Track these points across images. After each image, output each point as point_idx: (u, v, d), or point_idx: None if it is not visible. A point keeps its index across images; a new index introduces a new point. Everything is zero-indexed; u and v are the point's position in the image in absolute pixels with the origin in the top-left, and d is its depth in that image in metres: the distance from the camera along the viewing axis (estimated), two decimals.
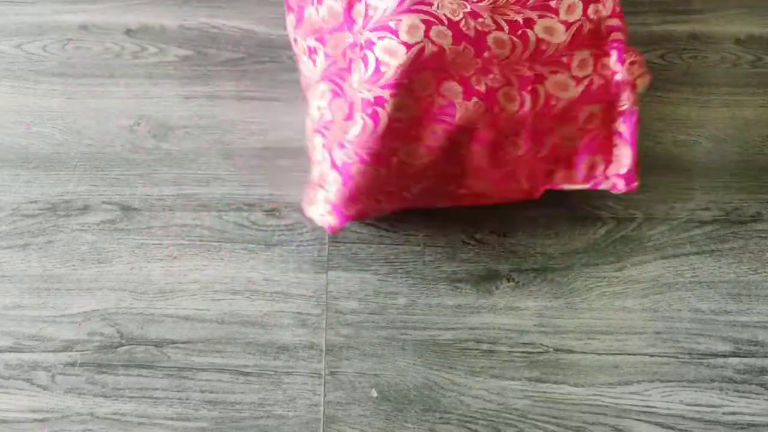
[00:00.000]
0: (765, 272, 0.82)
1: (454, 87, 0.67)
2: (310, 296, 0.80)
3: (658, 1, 0.98)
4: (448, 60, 0.66)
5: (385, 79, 0.65)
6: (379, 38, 0.64)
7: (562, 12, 0.68)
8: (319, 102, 0.73)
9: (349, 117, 0.69)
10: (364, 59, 0.65)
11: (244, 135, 0.89)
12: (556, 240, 0.83)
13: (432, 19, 0.64)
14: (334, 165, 0.71)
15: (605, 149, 0.74)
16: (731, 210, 0.85)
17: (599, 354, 0.78)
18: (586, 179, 0.76)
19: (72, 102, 0.91)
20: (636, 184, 0.75)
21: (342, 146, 0.69)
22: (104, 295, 0.80)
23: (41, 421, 0.74)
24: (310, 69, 0.76)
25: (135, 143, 0.88)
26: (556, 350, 0.78)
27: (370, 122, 0.67)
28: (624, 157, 0.74)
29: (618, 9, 0.69)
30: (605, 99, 0.72)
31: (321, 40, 0.73)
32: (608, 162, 0.75)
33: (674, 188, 0.86)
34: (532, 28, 0.68)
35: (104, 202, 0.84)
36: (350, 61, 0.69)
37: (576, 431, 0.74)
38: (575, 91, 0.70)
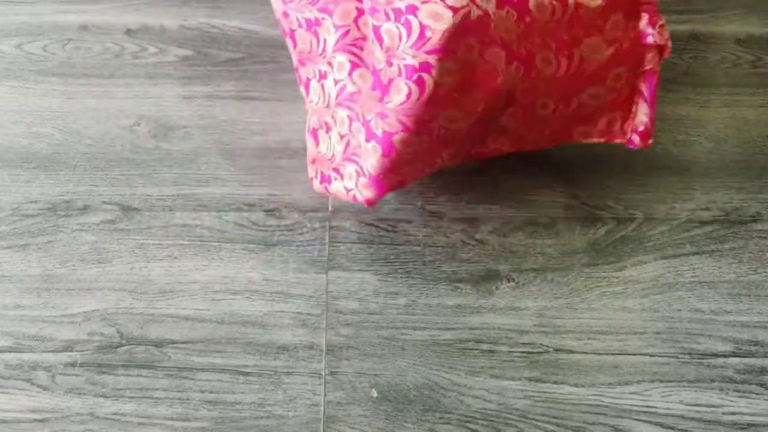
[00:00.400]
0: (765, 272, 0.82)
1: (497, 52, 0.67)
2: (310, 296, 0.80)
3: (658, 1, 0.98)
4: (492, 24, 0.65)
5: (431, 44, 0.64)
6: (423, 2, 0.64)
7: None
8: (336, 75, 0.73)
9: (377, 86, 0.69)
10: (406, 24, 0.64)
11: (244, 135, 0.89)
12: (556, 240, 0.83)
13: None
14: (371, 135, 0.70)
15: (626, 106, 0.76)
16: (731, 210, 0.85)
17: (599, 354, 0.78)
18: (603, 134, 0.78)
19: (72, 102, 0.91)
20: (651, 141, 0.77)
21: (383, 116, 0.69)
22: (104, 295, 0.80)
23: (41, 421, 0.74)
24: (312, 42, 0.75)
25: (135, 143, 0.88)
26: (556, 350, 0.78)
27: (415, 89, 0.66)
28: (642, 114, 0.76)
29: None
30: (632, 60, 0.73)
31: (325, 10, 0.73)
32: (626, 118, 0.77)
33: (674, 188, 0.86)
34: None
35: (104, 202, 0.84)
36: (376, 29, 0.68)
37: (576, 431, 0.74)
38: (607, 53, 0.72)
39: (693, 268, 0.82)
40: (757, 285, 0.81)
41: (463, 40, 0.65)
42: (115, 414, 0.74)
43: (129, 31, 0.96)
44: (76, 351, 0.77)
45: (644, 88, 0.75)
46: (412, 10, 0.64)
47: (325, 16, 0.73)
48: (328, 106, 0.75)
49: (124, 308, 0.79)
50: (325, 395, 0.76)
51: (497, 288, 0.81)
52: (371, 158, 0.71)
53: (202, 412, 0.75)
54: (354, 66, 0.71)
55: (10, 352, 0.77)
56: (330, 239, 0.83)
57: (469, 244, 0.83)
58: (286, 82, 0.91)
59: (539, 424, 0.75)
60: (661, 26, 0.72)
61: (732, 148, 0.89)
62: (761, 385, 0.77)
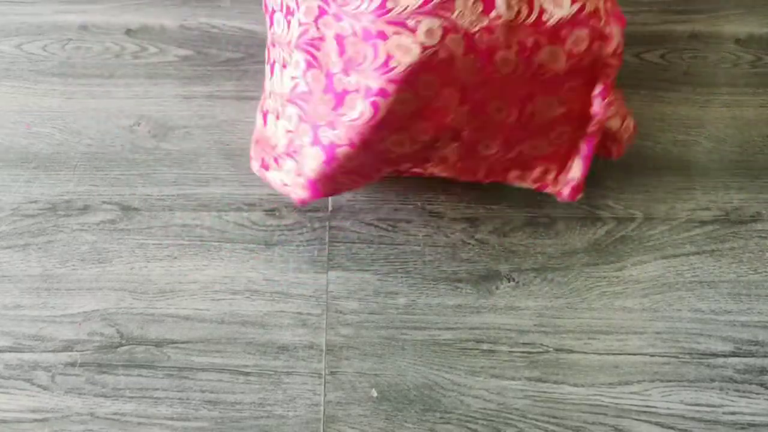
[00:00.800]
0: (765, 272, 0.82)
1: (453, 93, 0.68)
2: (310, 296, 0.80)
3: (658, 1, 0.98)
4: (456, 67, 0.66)
5: (394, 74, 0.65)
6: (395, 33, 0.65)
7: (569, 42, 0.69)
8: (292, 71, 0.73)
9: (329, 90, 0.70)
10: (374, 47, 0.65)
11: (244, 135, 0.89)
12: (556, 240, 0.83)
13: (451, 26, 0.65)
14: (317, 141, 0.72)
15: (562, 161, 0.78)
16: (731, 210, 0.85)
17: (599, 354, 0.78)
18: (537, 181, 0.80)
19: (72, 102, 0.91)
20: (580, 195, 0.79)
21: (333, 126, 0.70)
22: (104, 295, 0.80)
23: (41, 421, 0.74)
24: (283, 30, 0.75)
25: (135, 143, 0.88)
26: (556, 350, 0.78)
27: (370, 110, 0.67)
28: (576, 170, 0.78)
29: (619, 50, 0.71)
30: (579, 122, 0.75)
31: (297, 3, 0.73)
32: (560, 171, 0.79)
33: (674, 188, 0.86)
34: (538, 52, 0.69)
35: (104, 202, 0.84)
36: (339, 36, 0.68)
37: (576, 431, 0.74)
38: (558, 111, 0.73)
39: (693, 268, 0.82)
40: (757, 285, 0.81)
41: (424, 76, 0.66)
42: (115, 414, 0.74)
43: (129, 31, 0.96)
44: (76, 351, 0.77)
45: (584, 147, 0.76)
46: (382, 36, 0.65)
47: (296, 9, 0.73)
48: (281, 96, 0.76)
49: (124, 308, 0.79)
50: (325, 395, 0.76)
51: (497, 288, 0.81)
52: (312, 162, 0.72)
53: (202, 412, 0.75)
54: (309, 66, 0.72)
55: (10, 352, 0.77)
56: (330, 239, 0.83)
57: (469, 244, 0.83)
58: None
59: (539, 423, 0.75)
60: (610, 103, 0.73)
61: (732, 148, 0.89)
62: (761, 384, 0.77)
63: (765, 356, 0.78)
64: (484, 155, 0.76)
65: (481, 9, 0.65)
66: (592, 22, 0.69)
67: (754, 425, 0.75)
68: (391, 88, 0.66)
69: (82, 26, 0.96)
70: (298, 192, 0.76)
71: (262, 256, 0.82)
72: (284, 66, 0.74)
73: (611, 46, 0.71)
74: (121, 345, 0.77)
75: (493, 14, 0.66)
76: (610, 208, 0.85)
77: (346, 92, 0.69)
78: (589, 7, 0.68)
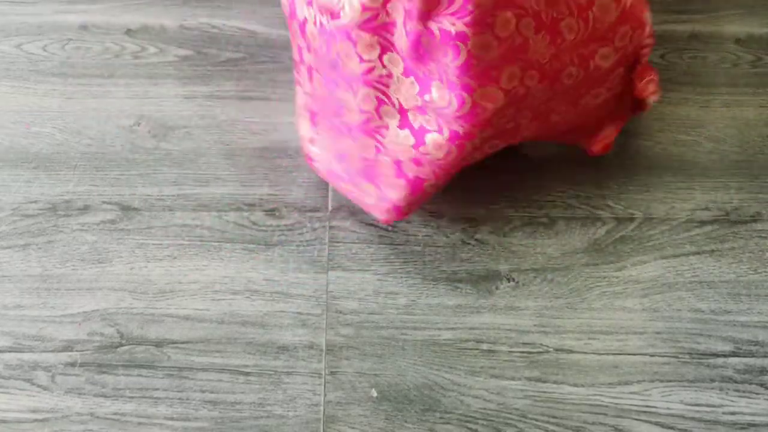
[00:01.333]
0: (765, 272, 0.82)
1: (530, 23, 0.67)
2: (310, 296, 0.80)
3: (658, 1, 0.98)
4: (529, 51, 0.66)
5: (479, 119, 0.68)
6: (480, 85, 0.66)
7: (617, 40, 0.70)
8: (361, 104, 0.72)
9: (405, 125, 0.71)
10: (458, 97, 0.66)
11: (244, 135, 0.89)
12: (556, 240, 0.83)
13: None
14: (402, 175, 0.73)
15: (601, 123, 0.81)
16: (731, 210, 0.85)
17: (599, 354, 0.78)
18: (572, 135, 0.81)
19: (72, 102, 0.91)
20: (609, 150, 0.83)
21: (419, 163, 0.72)
22: (104, 295, 0.80)
23: (41, 421, 0.74)
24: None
25: (135, 143, 0.88)
26: (556, 350, 0.78)
27: (455, 151, 0.70)
28: (610, 129, 0.82)
29: (652, 31, 0.73)
30: (620, 101, 0.78)
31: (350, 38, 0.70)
32: (597, 131, 0.82)
33: (674, 188, 0.86)
34: (591, 60, 0.70)
35: (104, 202, 0.84)
36: (417, 76, 0.68)
37: (576, 431, 0.74)
38: (604, 97, 0.76)
39: (693, 268, 0.82)
40: (757, 285, 0.81)
41: (505, 113, 0.68)
42: (115, 414, 0.74)
43: (129, 31, 0.96)
44: (76, 351, 0.77)
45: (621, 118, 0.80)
46: (468, 90, 0.66)
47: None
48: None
49: (124, 308, 0.79)
50: (325, 395, 0.76)
51: (497, 288, 0.81)
52: (398, 193, 0.75)
53: (202, 412, 0.75)
54: (380, 102, 0.72)
55: (10, 352, 0.77)
56: (330, 239, 0.83)
57: (469, 244, 0.83)
58: (285, 82, 0.91)
59: (539, 423, 0.75)
60: (651, 81, 0.76)
61: (732, 148, 0.89)
62: (761, 384, 0.77)
63: (765, 356, 0.78)
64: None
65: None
66: (635, 12, 0.70)
67: (754, 425, 0.75)
68: (476, 131, 0.68)
69: (82, 26, 0.96)
70: (383, 215, 0.78)
71: (262, 256, 0.82)
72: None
73: (647, 31, 0.72)
74: (121, 345, 0.77)
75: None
76: (610, 208, 0.85)
77: (425, 131, 0.70)
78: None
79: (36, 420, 0.74)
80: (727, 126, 0.90)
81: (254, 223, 0.84)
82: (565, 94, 0.72)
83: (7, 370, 0.76)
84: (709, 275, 0.81)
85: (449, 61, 0.65)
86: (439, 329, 0.79)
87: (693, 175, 0.87)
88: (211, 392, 0.76)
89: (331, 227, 0.84)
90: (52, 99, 0.91)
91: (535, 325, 0.79)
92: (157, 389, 0.76)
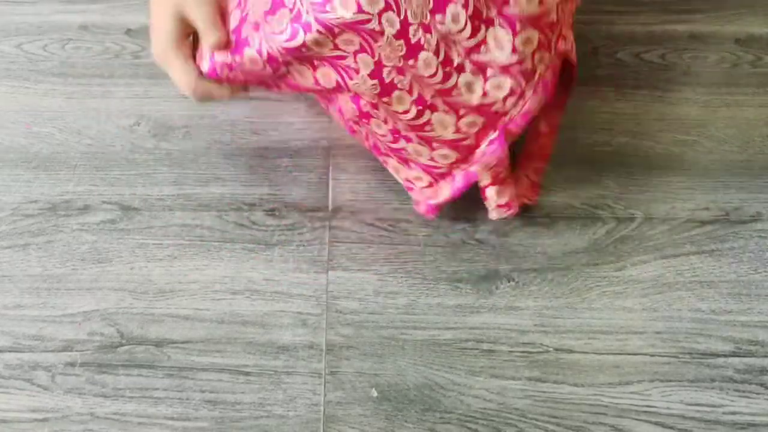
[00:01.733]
0: (765, 272, 0.82)
1: (368, 60, 0.67)
2: (310, 296, 0.80)
3: (658, 1, 0.98)
4: (380, 43, 0.66)
5: (323, 17, 0.64)
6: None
7: (489, 84, 0.69)
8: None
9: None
10: None
11: (244, 135, 0.89)
12: (556, 240, 0.83)
13: (393, 5, 0.64)
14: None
15: (436, 177, 0.78)
16: (731, 210, 0.85)
17: (599, 354, 0.78)
18: (407, 180, 0.80)
19: (72, 102, 0.91)
20: (434, 216, 0.81)
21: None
22: (104, 295, 0.80)
23: (41, 421, 0.74)
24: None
25: (135, 143, 0.88)
26: (556, 350, 0.78)
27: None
28: (444, 191, 0.78)
29: (527, 120, 0.72)
30: (463, 155, 0.75)
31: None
32: (431, 184, 0.78)
33: (674, 188, 0.86)
34: (459, 74, 0.69)
35: (104, 202, 0.84)
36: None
37: (576, 431, 0.74)
38: (450, 134, 0.73)
39: (693, 268, 0.82)
40: (758, 285, 0.81)
41: (346, 35, 0.66)
42: (115, 414, 0.74)
43: (129, 31, 0.96)
44: (76, 351, 0.77)
45: (459, 178, 0.77)
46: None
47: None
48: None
49: (124, 308, 0.79)
50: (325, 395, 0.76)
51: (497, 288, 0.81)
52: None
53: (202, 411, 0.75)
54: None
55: (10, 352, 0.77)
56: (330, 239, 0.83)
57: (469, 244, 0.83)
58: None
59: (539, 423, 0.75)
60: (496, 160, 0.74)
61: (732, 148, 0.89)
62: (761, 384, 0.77)
63: (765, 356, 0.78)
64: (373, 130, 0.75)
65: (430, 7, 0.65)
66: (520, 77, 0.69)
67: (754, 425, 0.75)
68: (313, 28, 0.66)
69: (82, 26, 0.96)
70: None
71: (262, 256, 0.82)
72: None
73: (519, 109, 0.71)
74: (121, 345, 0.77)
75: (438, 17, 0.65)
76: (610, 208, 0.85)
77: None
78: (527, 65, 0.68)
79: (36, 420, 0.74)
80: (727, 126, 0.90)
81: (254, 223, 0.84)
82: (414, 85, 0.70)
83: (6, 370, 0.76)
84: (709, 275, 0.81)
85: None
86: (439, 329, 0.79)
87: (693, 175, 0.87)
88: (211, 392, 0.76)
89: (331, 227, 0.84)
90: (52, 99, 0.91)
91: (535, 325, 0.79)
92: (157, 389, 0.76)
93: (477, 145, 0.74)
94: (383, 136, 0.75)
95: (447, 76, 0.69)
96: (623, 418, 0.75)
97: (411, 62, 0.67)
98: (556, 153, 0.86)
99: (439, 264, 0.82)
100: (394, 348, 0.78)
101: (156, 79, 0.92)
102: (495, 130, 0.73)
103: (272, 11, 0.67)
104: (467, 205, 0.84)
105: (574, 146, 0.88)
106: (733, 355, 0.78)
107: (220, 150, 0.88)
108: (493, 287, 0.81)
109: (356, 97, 0.72)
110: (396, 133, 0.75)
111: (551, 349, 0.78)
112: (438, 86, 0.69)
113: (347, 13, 0.64)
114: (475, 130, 0.73)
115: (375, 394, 0.76)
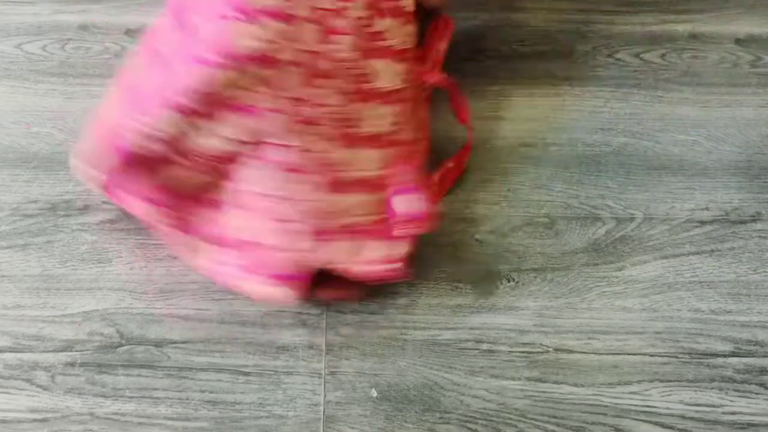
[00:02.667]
0: (765, 272, 0.82)
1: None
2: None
3: (658, 1, 0.98)
4: (272, 72, 0.68)
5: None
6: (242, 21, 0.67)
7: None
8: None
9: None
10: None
11: None
12: (556, 240, 0.83)
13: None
14: None
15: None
16: (731, 210, 0.85)
17: (599, 354, 0.78)
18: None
19: (72, 102, 0.91)
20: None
21: None
22: (104, 295, 0.80)
23: (41, 421, 0.74)
24: None
25: None
26: (556, 350, 0.78)
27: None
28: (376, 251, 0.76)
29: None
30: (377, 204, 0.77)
31: None
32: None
33: (674, 188, 0.86)
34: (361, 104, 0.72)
35: (104, 202, 0.84)
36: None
37: (576, 431, 0.74)
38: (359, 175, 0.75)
39: (693, 268, 0.82)
40: (757, 285, 0.81)
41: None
42: (115, 414, 0.74)
43: (129, 31, 0.96)
44: (76, 351, 0.77)
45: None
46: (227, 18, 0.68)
47: None
48: None
49: (123, 308, 0.79)
50: (325, 395, 0.76)
51: (497, 288, 0.81)
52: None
53: (202, 411, 0.75)
54: None
55: (9, 352, 0.77)
56: None
57: (469, 244, 0.83)
58: None
59: (539, 423, 0.75)
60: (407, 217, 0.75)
61: (732, 148, 0.89)
62: (761, 384, 0.77)
63: (765, 356, 0.78)
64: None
65: (322, 38, 0.68)
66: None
67: (754, 425, 0.75)
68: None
69: (81, 26, 0.96)
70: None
71: None
72: None
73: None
74: (121, 345, 0.77)
75: (332, 47, 0.69)
76: (610, 208, 0.85)
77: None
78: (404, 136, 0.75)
79: (36, 420, 0.74)
80: (727, 126, 0.90)
81: None
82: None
83: (6, 370, 0.76)
84: (709, 275, 0.81)
85: None
86: (439, 329, 0.79)
87: (693, 175, 0.87)
88: (211, 392, 0.76)
89: None
90: (52, 99, 0.91)
91: (535, 325, 0.79)
92: (157, 389, 0.76)
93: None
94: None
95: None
96: (623, 418, 0.75)
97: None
98: (557, 153, 0.86)
99: (439, 264, 0.82)
100: (394, 348, 0.78)
101: None
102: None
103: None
104: (467, 205, 0.84)
105: (574, 147, 0.88)
106: (733, 355, 0.78)
107: None
108: (493, 287, 0.81)
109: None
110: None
111: (551, 349, 0.78)
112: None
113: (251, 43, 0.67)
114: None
115: (375, 394, 0.76)
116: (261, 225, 0.73)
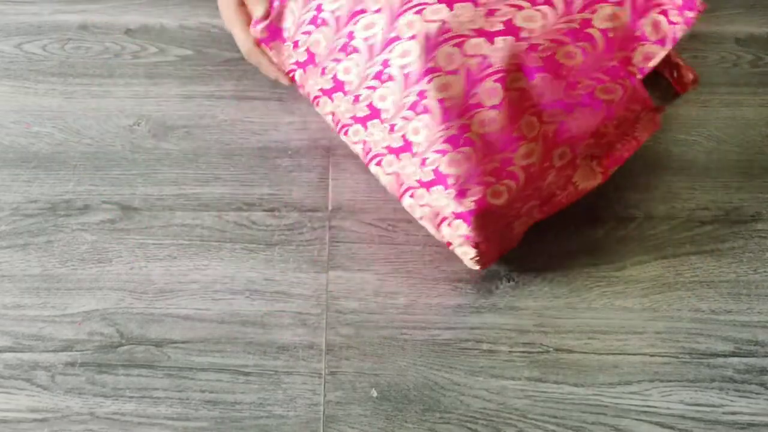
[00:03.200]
0: (765, 272, 0.82)
1: (476, 42, 0.68)
2: (310, 296, 0.80)
3: None
4: (457, 24, 0.66)
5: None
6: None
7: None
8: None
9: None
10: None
11: (244, 135, 0.89)
12: (556, 240, 0.83)
13: None
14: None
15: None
16: (731, 210, 0.85)
17: (599, 354, 0.78)
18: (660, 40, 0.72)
19: (72, 102, 0.91)
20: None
21: None
22: (104, 294, 0.80)
23: (41, 421, 0.74)
24: None
25: (135, 143, 0.88)
26: (556, 350, 0.78)
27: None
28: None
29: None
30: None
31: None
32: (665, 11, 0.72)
33: (674, 188, 0.86)
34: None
35: (104, 202, 0.84)
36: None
37: (576, 431, 0.74)
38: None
39: (693, 268, 0.82)
40: (757, 284, 0.81)
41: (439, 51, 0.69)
42: (115, 414, 0.74)
43: (129, 31, 0.96)
44: (76, 351, 0.77)
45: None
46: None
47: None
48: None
49: (124, 308, 0.79)
50: (325, 395, 0.76)
51: (497, 288, 0.81)
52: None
53: (202, 411, 0.75)
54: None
55: (9, 351, 0.77)
56: (330, 239, 0.83)
57: None
58: None
59: (539, 423, 0.75)
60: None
61: (732, 148, 0.89)
62: (761, 384, 0.77)
63: (765, 356, 0.78)
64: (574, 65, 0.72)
65: None
66: None
67: (754, 425, 0.75)
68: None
69: (82, 26, 0.96)
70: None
71: (262, 256, 0.82)
72: None
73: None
74: (121, 345, 0.77)
75: None
76: (610, 208, 0.85)
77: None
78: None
79: (36, 420, 0.74)
80: (727, 126, 0.90)
81: (254, 223, 0.84)
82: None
83: (6, 369, 0.76)
84: (709, 275, 0.82)
85: None
86: (439, 329, 0.79)
87: (693, 175, 0.87)
88: (211, 392, 0.76)
89: (331, 227, 0.84)
90: (52, 99, 0.91)
91: (535, 325, 0.79)
92: (157, 389, 0.76)
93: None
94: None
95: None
96: (623, 418, 0.75)
97: None
98: None
99: (439, 264, 0.82)
100: (394, 348, 0.78)
101: (156, 79, 0.92)
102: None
103: None
104: None
105: None
106: (733, 355, 0.78)
107: (220, 150, 0.88)
108: (493, 287, 0.81)
109: None
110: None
111: (551, 349, 0.78)
112: None
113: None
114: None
115: (375, 394, 0.76)
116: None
